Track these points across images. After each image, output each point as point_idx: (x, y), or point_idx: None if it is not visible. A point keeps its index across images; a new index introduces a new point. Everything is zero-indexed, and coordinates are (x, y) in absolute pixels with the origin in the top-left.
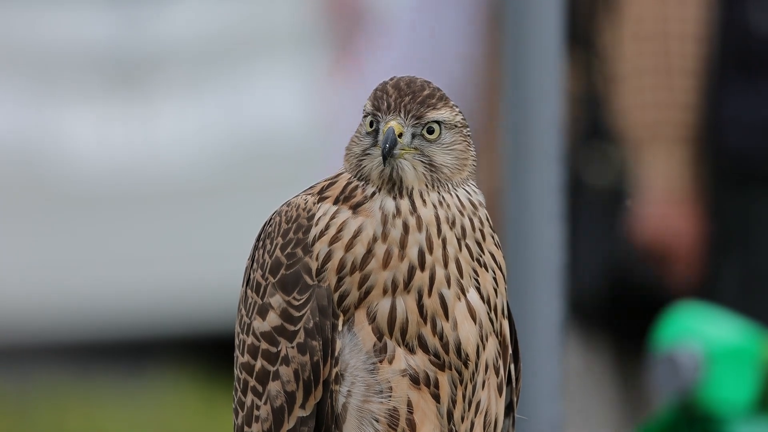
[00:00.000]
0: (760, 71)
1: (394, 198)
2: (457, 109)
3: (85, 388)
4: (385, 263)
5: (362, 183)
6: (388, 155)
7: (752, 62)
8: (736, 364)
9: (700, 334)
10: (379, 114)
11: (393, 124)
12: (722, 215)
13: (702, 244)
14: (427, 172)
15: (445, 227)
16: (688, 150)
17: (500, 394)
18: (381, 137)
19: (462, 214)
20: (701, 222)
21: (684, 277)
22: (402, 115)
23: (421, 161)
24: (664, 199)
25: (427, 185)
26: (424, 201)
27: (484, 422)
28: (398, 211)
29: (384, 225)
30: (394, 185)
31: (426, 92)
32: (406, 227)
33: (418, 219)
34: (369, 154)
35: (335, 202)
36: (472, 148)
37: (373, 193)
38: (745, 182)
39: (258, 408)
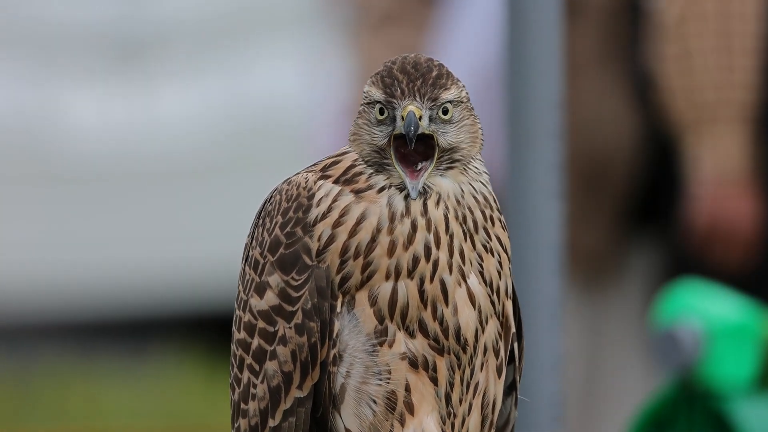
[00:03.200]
0: None
1: (406, 197)
2: (461, 84)
3: (87, 368)
4: (390, 252)
5: (371, 171)
6: (414, 139)
7: None
8: (737, 341)
9: (700, 312)
10: (394, 101)
11: (412, 108)
12: None
13: (762, 226)
14: (447, 159)
15: (453, 224)
16: (748, 131)
17: (499, 375)
18: (400, 123)
19: (473, 209)
20: (761, 204)
21: (742, 260)
22: (417, 98)
23: (440, 159)
24: (722, 181)
25: (442, 175)
26: (437, 203)
27: (482, 403)
28: (407, 210)
29: (391, 222)
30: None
31: (435, 73)
32: (414, 226)
33: (428, 221)
34: (389, 170)
35: (336, 182)
36: (478, 121)
37: (383, 187)
38: None
39: (255, 386)
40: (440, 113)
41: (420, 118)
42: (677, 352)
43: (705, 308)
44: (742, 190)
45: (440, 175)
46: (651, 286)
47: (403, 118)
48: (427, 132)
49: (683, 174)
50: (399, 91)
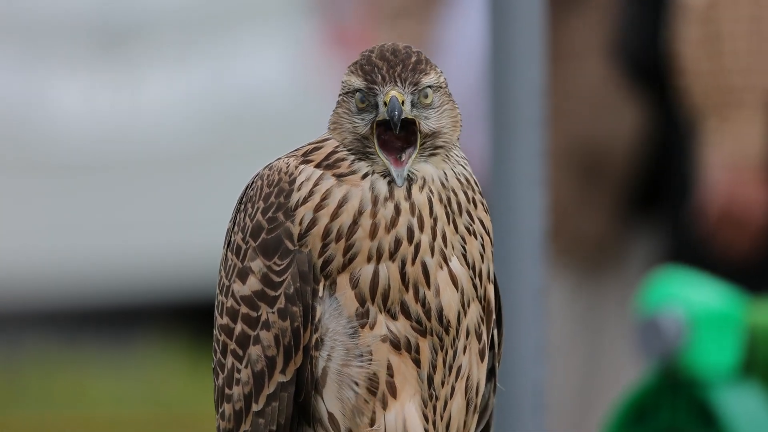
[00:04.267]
0: None
1: (389, 182)
2: (439, 70)
3: (73, 356)
4: (372, 234)
5: (353, 158)
6: (398, 124)
7: None
8: (720, 329)
9: (683, 299)
10: (375, 87)
11: (394, 93)
12: None
13: None
14: (430, 146)
15: (437, 207)
16: None
17: (482, 359)
18: (383, 109)
19: (456, 191)
20: None
21: (750, 247)
22: (399, 84)
23: (423, 145)
24: (739, 166)
25: (426, 161)
26: (422, 187)
27: (466, 387)
28: (391, 194)
29: (374, 205)
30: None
31: (414, 58)
32: (397, 210)
33: (412, 205)
34: (372, 158)
35: (318, 167)
36: (457, 107)
37: (366, 174)
38: None
39: (239, 371)
40: (421, 98)
41: (402, 102)
42: (660, 339)
43: (688, 296)
44: (758, 176)
45: (424, 161)
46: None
47: (385, 103)
48: (409, 117)
49: (685, 162)
50: (380, 77)
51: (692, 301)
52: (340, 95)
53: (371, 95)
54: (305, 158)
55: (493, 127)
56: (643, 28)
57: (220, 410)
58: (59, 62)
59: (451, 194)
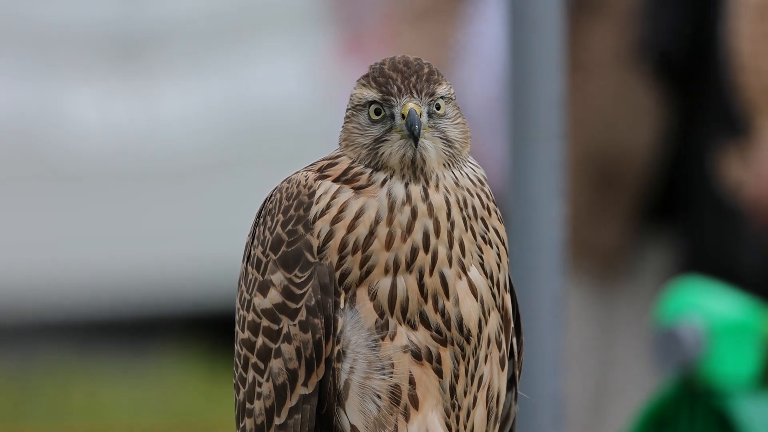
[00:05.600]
0: None
1: (406, 185)
2: (448, 82)
3: (88, 367)
4: (388, 245)
5: (371, 170)
6: (419, 136)
7: None
8: (739, 338)
9: (702, 309)
10: (392, 98)
11: (412, 105)
12: None
13: None
14: (446, 148)
15: (455, 210)
16: None
17: (502, 368)
18: (400, 121)
19: (471, 193)
20: None
21: None
22: (415, 95)
23: (440, 137)
24: None
25: (445, 164)
26: (437, 186)
27: (487, 396)
28: (408, 197)
29: (390, 211)
30: (416, 170)
31: (426, 69)
32: (414, 213)
33: (429, 206)
34: (386, 140)
35: (336, 181)
36: (465, 120)
37: (384, 180)
38: None
39: (260, 385)
40: (434, 109)
41: (420, 114)
42: (679, 350)
43: (707, 306)
44: None
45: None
46: (665, 285)
47: (403, 116)
48: (428, 129)
49: (700, 173)
50: (395, 88)
51: (711, 311)
52: (348, 110)
53: (387, 107)
54: (321, 174)
55: (511, 138)
56: (673, 22)
57: (242, 425)
58: (75, 73)
59: (467, 194)
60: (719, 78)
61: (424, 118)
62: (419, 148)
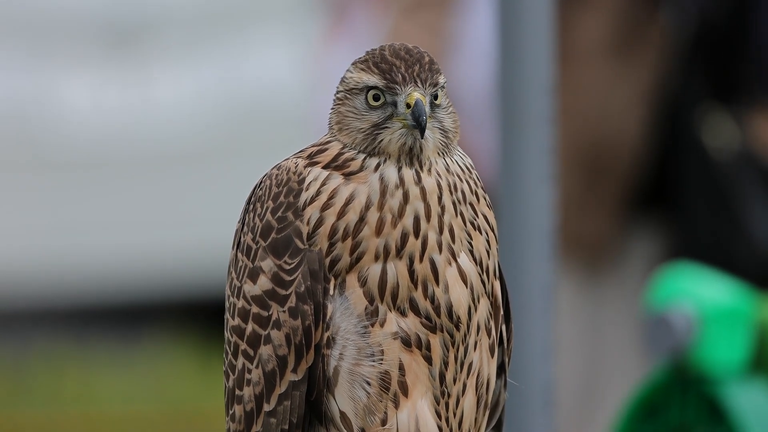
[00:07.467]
0: None
1: (399, 169)
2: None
3: (82, 354)
4: (378, 230)
5: (364, 155)
6: (426, 127)
7: None
8: (730, 325)
9: (693, 295)
10: (396, 86)
11: (418, 96)
12: None
13: None
14: (442, 137)
15: (446, 195)
16: None
17: (492, 355)
18: (404, 110)
19: (461, 178)
20: None
21: None
22: (419, 84)
23: (438, 127)
24: None
25: (439, 153)
26: (429, 171)
27: (477, 383)
28: (401, 181)
29: (382, 195)
30: (413, 157)
31: (426, 58)
32: (406, 197)
33: (422, 189)
34: (387, 127)
35: (325, 168)
36: (455, 110)
37: (378, 165)
38: None
39: (249, 371)
40: (433, 99)
41: (425, 104)
42: (670, 336)
43: (697, 292)
44: None
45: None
46: (654, 272)
47: (408, 105)
48: (430, 118)
49: (688, 161)
50: (400, 76)
51: (702, 297)
52: (340, 92)
53: (389, 94)
54: (311, 160)
55: (502, 124)
56: None
57: (231, 412)
58: (68, 60)
59: (456, 179)
60: (759, 43)
61: (427, 108)
62: (418, 139)
